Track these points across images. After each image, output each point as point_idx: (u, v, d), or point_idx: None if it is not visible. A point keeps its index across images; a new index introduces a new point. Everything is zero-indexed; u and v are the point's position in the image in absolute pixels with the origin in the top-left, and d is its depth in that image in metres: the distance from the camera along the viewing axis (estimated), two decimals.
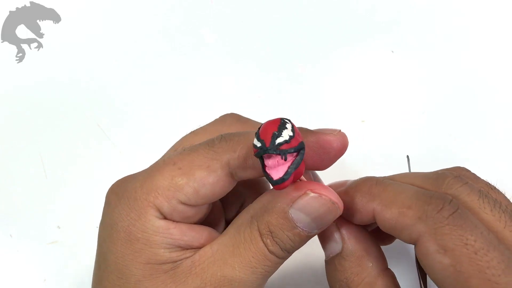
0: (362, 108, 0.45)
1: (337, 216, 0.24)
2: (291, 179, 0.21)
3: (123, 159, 0.43)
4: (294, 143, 0.21)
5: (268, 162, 0.21)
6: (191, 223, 0.26)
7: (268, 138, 0.21)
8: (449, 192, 0.24)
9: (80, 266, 0.39)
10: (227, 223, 0.31)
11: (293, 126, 0.21)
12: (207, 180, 0.25)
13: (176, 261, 0.25)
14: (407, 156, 0.36)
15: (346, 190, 0.26)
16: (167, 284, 0.24)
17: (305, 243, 0.25)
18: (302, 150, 0.21)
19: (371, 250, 0.25)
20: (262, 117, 0.46)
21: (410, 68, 0.46)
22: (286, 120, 0.21)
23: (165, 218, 0.25)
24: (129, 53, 0.48)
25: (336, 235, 0.26)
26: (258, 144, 0.21)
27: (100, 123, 0.45)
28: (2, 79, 0.47)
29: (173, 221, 0.25)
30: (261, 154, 0.21)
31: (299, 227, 0.24)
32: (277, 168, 0.21)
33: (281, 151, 0.20)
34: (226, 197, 0.27)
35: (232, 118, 0.30)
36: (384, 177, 0.27)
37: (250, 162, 0.24)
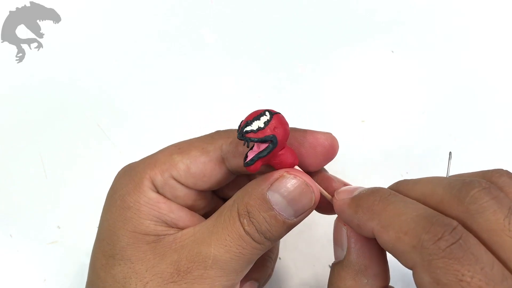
0: (362, 108, 0.45)
1: (313, 201, 0.25)
2: (256, 165, 0.23)
3: (123, 159, 0.43)
4: (260, 134, 0.23)
5: (253, 148, 0.24)
6: (186, 206, 0.28)
7: (242, 125, 0.23)
8: (471, 208, 0.21)
9: (80, 266, 0.39)
10: None
11: (269, 120, 0.23)
12: (199, 159, 0.27)
13: (159, 235, 0.26)
14: (450, 153, 0.33)
15: (350, 202, 0.25)
16: (147, 254, 0.25)
17: (284, 231, 0.25)
18: (271, 143, 0.23)
19: (373, 266, 0.24)
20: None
21: (410, 68, 0.46)
22: (265, 113, 0.24)
23: (157, 192, 0.27)
24: (129, 53, 0.48)
25: (344, 241, 0.25)
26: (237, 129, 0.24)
27: (100, 123, 0.45)
28: (2, 79, 0.47)
29: (165, 196, 0.27)
30: (237, 137, 0.23)
31: (275, 209, 0.24)
32: (253, 153, 0.24)
33: (244, 138, 0.23)
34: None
35: (220, 131, 0.31)
36: (400, 184, 0.25)
37: (241, 149, 0.26)
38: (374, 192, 0.24)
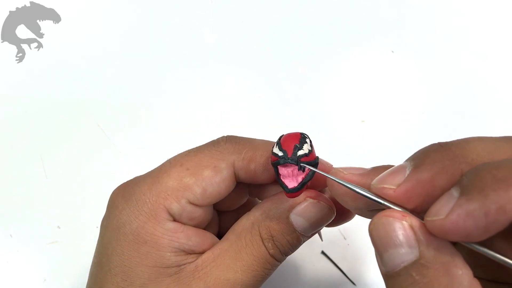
0: (362, 108, 0.45)
1: (331, 220, 0.26)
2: (302, 190, 0.23)
3: (123, 159, 0.43)
4: (312, 157, 0.23)
5: (283, 171, 0.23)
6: (196, 226, 0.27)
7: (290, 149, 0.23)
8: None
9: (80, 266, 0.39)
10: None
11: (311, 141, 0.24)
12: (214, 180, 0.26)
13: (180, 265, 0.25)
14: None
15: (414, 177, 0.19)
16: (171, 287, 0.24)
17: (300, 245, 0.26)
18: (316, 165, 0.23)
19: (457, 254, 0.19)
20: (262, 117, 0.46)
21: (410, 68, 0.46)
22: (306, 135, 0.24)
23: (174, 220, 0.26)
24: (129, 53, 0.48)
25: (407, 238, 0.19)
26: (280, 153, 0.23)
27: (100, 123, 0.45)
28: (2, 79, 0.47)
29: (181, 223, 0.26)
30: (282, 163, 0.23)
31: (298, 231, 0.25)
32: (291, 178, 0.23)
33: (301, 162, 0.22)
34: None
35: (226, 141, 0.29)
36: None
37: (253, 166, 0.26)
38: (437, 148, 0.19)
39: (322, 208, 0.25)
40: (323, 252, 0.39)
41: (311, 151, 0.23)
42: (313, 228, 0.25)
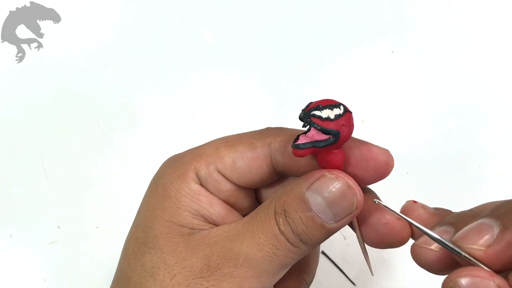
0: (362, 108, 0.45)
1: (355, 206, 0.23)
2: (306, 151, 0.22)
3: (123, 159, 0.43)
4: (326, 125, 0.21)
5: (308, 132, 0.22)
6: (226, 201, 0.27)
7: (311, 106, 0.22)
8: None
9: (80, 266, 0.39)
10: None
11: (341, 114, 0.22)
12: (246, 154, 0.26)
13: (194, 229, 0.25)
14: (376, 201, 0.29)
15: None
16: (179, 246, 0.25)
17: (321, 236, 0.24)
18: (332, 137, 0.21)
19: None
20: (262, 117, 0.46)
21: (410, 68, 0.46)
22: (340, 106, 0.22)
23: (201, 184, 0.26)
24: (129, 53, 0.48)
25: None
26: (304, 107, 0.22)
27: (100, 123, 0.45)
28: (2, 79, 0.47)
29: (207, 190, 0.26)
30: (300, 116, 0.22)
31: (314, 211, 0.23)
32: (308, 138, 0.22)
33: (308, 120, 0.21)
34: None
35: (268, 127, 0.30)
36: None
37: (290, 149, 0.25)
38: None
39: (340, 185, 0.23)
40: (323, 252, 0.39)
41: (330, 119, 0.21)
42: (332, 210, 0.23)
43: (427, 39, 0.47)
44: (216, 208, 0.26)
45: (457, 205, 0.42)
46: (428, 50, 0.47)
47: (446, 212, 0.25)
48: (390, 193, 0.42)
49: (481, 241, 0.20)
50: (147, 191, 0.27)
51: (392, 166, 0.25)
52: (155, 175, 0.27)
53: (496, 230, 0.20)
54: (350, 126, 0.22)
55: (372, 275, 0.27)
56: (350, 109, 0.22)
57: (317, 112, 0.21)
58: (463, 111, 0.44)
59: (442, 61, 0.46)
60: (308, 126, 0.21)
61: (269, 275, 0.24)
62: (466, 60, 0.46)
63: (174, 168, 0.26)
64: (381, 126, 0.44)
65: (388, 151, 0.25)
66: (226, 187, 0.26)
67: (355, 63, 0.47)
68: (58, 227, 0.41)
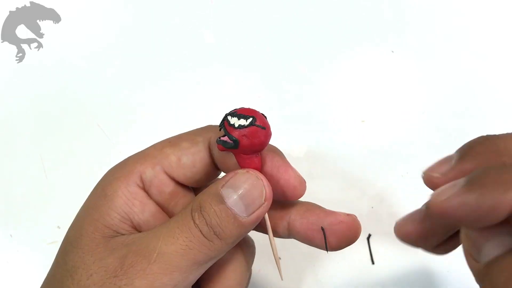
0: (362, 108, 0.45)
1: (263, 197, 0.25)
2: (220, 147, 0.25)
3: (123, 159, 0.43)
4: (229, 130, 0.24)
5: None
6: (165, 204, 0.27)
7: (231, 112, 0.25)
8: None
9: None
10: None
11: (245, 125, 0.24)
12: (189, 150, 0.27)
13: (118, 232, 0.25)
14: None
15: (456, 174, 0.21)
16: (98, 246, 0.25)
17: (235, 229, 0.24)
18: (231, 142, 0.24)
19: None
20: None
21: (410, 68, 0.46)
22: (250, 118, 0.24)
23: (143, 188, 0.27)
24: (129, 53, 0.48)
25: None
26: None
27: (100, 123, 0.45)
28: (2, 79, 0.47)
29: (148, 194, 0.27)
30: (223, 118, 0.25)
31: (227, 203, 0.24)
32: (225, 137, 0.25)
33: (221, 123, 0.25)
34: None
35: (210, 127, 0.31)
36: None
37: None
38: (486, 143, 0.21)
39: (250, 177, 0.25)
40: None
41: (235, 127, 0.24)
42: (243, 201, 0.24)
43: (427, 39, 0.47)
44: (146, 215, 0.26)
45: None
46: (428, 50, 0.47)
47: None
48: (390, 193, 0.42)
49: (439, 169, 0.23)
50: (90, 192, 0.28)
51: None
52: (100, 178, 0.28)
53: (453, 161, 0.22)
54: (253, 138, 0.24)
55: (282, 279, 0.27)
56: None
57: (229, 117, 0.24)
58: (463, 111, 0.44)
59: (442, 61, 0.46)
60: (221, 128, 0.25)
61: (181, 272, 0.23)
62: (466, 60, 0.46)
63: (118, 169, 0.27)
64: (381, 126, 0.44)
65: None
66: (169, 188, 0.27)
67: (355, 63, 0.47)
68: (58, 227, 0.41)
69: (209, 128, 0.28)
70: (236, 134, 0.24)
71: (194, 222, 0.24)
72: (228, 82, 0.46)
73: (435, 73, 0.46)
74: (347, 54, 0.47)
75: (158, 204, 0.27)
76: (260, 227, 0.27)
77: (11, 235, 0.41)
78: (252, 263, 0.30)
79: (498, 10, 0.48)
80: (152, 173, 0.27)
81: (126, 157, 0.28)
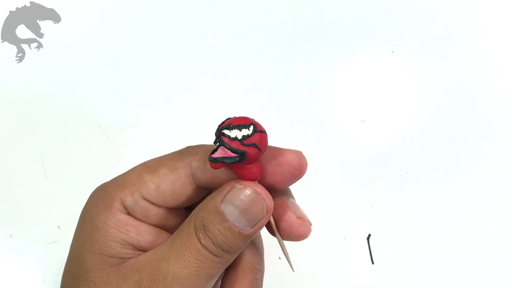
0: (362, 108, 0.45)
1: (265, 210, 0.25)
2: (218, 165, 0.23)
3: (123, 159, 0.43)
4: (233, 145, 0.23)
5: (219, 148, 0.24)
6: (156, 225, 0.27)
7: (226, 123, 0.23)
8: None
9: None
10: None
11: (249, 135, 0.23)
12: (168, 177, 0.26)
13: (124, 258, 0.26)
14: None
15: None
16: (110, 276, 0.25)
17: (241, 242, 0.25)
18: (238, 157, 0.23)
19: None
20: (262, 117, 0.46)
21: (410, 68, 0.46)
22: (250, 126, 0.23)
23: (128, 213, 0.27)
24: (129, 53, 0.48)
25: None
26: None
27: (100, 123, 0.45)
28: (2, 79, 0.47)
29: (135, 218, 0.27)
30: (215, 132, 0.23)
31: (230, 221, 0.24)
32: (224, 152, 0.23)
33: (218, 138, 0.23)
34: None
35: (188, 147, 0.30)
36: None
37: (209, 166, 0.26)
38: None
39: (249, 194, 0.24)
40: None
41: (238, 139, 0.23)
42: (245, 216, 0.24)
43: (427, 39, 0.47)
44: (144, 235, 0.27)
45: (458, 205, 0.42)
46: (428, 50, 0.47)
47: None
48: (391, 193, 0.42)
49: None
50: (77, 223, 0.28)
51: (306, 165, 0.26)
52: (83, 207, 0.28)
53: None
54: (261, 145, 0.24)
55: (293, 271, 0.28)
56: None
57: (226, 131, 0.23)
58: (463, 111, 0.44)
59: (442, 61, 0.46)
60: (218, 143, 0.23)
61: None
62: (466, 60, 0.46)
63: (100, 199, 0.27)
64: (381, 126, 0.44)
65: (300, 153, 0.26)
66: (154, 211, 0.27)
67: (355, 63, 0.47)
68: (58, 227, 0.41)
69: (187, 151, 0.28)
70: (241, 147, 0.23)
71: (201, 243, 0.24)
72: (228, 82, 0.46)
73: (435, 73, 0.46)
74: (347, 54, 0.47)
75: (150, 224, 0.28)
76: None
77: (11, 235, 0.41)
78: (263, 248, 0.30)
79: (498, 10, 0.48)
80: (132, 200, 0.26)
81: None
